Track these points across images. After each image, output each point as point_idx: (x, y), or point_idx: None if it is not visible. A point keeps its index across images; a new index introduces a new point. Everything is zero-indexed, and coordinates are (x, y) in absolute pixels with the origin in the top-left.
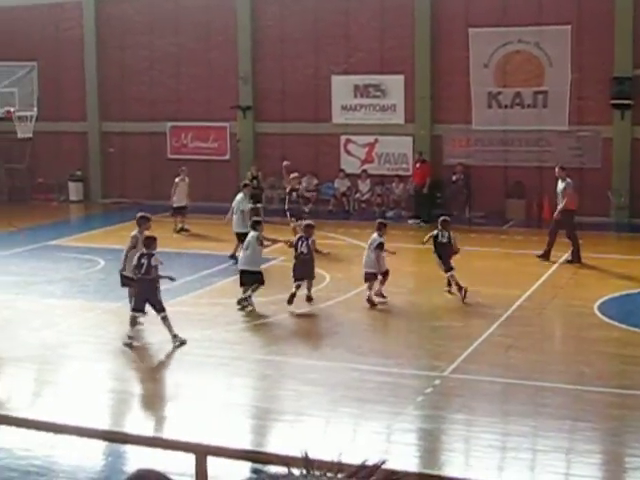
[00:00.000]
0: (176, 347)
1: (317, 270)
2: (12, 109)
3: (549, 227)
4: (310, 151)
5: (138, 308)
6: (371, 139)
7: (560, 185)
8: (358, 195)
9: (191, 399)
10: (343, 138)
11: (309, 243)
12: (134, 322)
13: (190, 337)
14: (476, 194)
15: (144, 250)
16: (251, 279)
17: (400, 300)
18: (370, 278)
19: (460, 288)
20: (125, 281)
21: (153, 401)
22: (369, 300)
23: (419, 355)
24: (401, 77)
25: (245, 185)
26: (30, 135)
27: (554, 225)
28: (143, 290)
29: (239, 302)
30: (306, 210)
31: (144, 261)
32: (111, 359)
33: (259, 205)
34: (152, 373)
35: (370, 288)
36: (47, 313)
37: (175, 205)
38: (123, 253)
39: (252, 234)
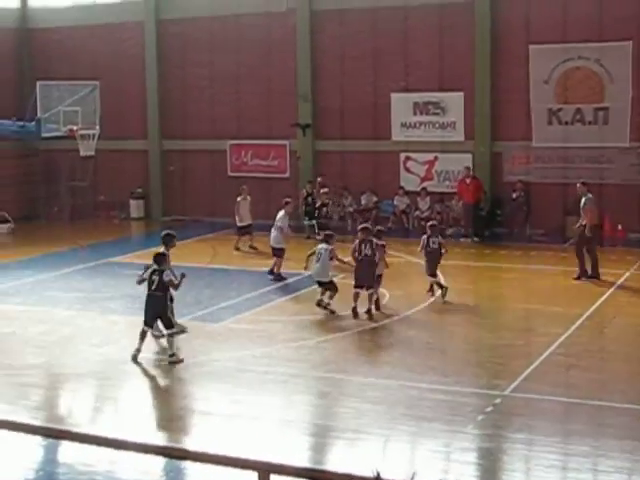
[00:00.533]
0: (171, 364)
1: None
2: (75, 127)
3: (574, 246)
4: (369, 168)
5: (149, 323)
6: (431, 156)
7: (582, 200)
8: (417, 213)
9: (251, 416)
10: (402, 156)
11: (373, 246)
12: (143, 336)
13: (250, 354)
14: (536, 211)
15: (155, 266)
16: (325, 288)
17: (459, 318)
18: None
19: (441, 287)
20: None
21: (213, 418)
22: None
23: (479, 373)
24: (461, 94)
25: (286, 203)
26: (92, 153)
27: (580, 242)
28: (154, 306)
29: (318, 304)
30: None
31: (155, 277)
32: (171, 376)
33: (313, 222)
34: (211, 390)
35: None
36: (108, 329)
37: (239, 224)
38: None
39: (324, 247)
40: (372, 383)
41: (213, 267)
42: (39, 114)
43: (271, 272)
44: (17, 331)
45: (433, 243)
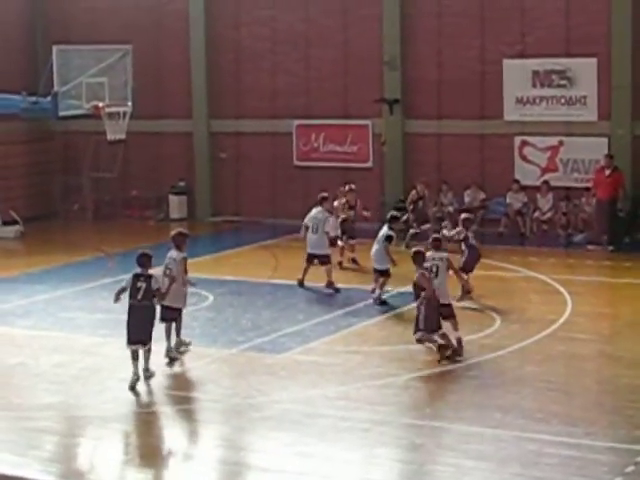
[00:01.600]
0: (146, 379)
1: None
2: (101, 104)
3: None
4: (475, 157)
5: (140, 340)
6: (554, 141)
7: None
8: (537, 214)
9: (322, 474)
10: (518, 140)
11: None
12: (136, 357)
13: (321, 394)
14: None
15: (139, 270)
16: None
17: (591, 350)
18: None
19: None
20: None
21: (274, 476)
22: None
23: (616, 423)
24: (593, 61)
25: (323, 198)
26: (123, 136)
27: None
28: (142, 318)
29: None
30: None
31: (141, 284)
32: (223, 421)
33: (427, 225)
34: (272, 440)
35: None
36: (142, 362)
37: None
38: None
39: (438, 255)
40: (478, 433)
41: (275, 282)
42: (56, 87)
43: (301, 284)
44: (27, 362)
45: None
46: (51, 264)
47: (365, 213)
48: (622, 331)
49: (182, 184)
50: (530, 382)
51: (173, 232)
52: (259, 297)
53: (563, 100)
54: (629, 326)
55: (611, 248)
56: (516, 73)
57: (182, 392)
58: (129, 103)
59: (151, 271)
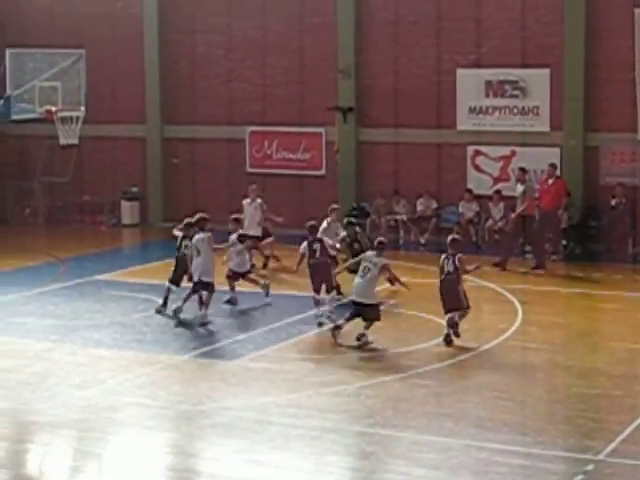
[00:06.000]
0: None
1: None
2: (54, 108)
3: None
4: (428, 166)
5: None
6: (507, 151)
7: (519, 188)
8: (490, 223)
9: None
10: (471, 149)
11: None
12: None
13: (272, 402)
14: None
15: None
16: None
17: (542, 359)
18: None
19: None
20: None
21: None
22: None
23: (567, 432)
24: (546, 72)
25: (333, 210)
26: (75, 141)
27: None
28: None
29: (358, 339)
30: (422, 241)
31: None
32: (173, 428)
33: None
34: (222, 447)
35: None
36: (92, 367)
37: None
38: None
39: (374, 258)
40: (428, 442)
41: (224, 289)
42: (8, 91)
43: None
44: None
45: (448, 265)
46: (2, 268)
47: (276, 218)
48: (573, 340)
49: (135, 189)
50: (481, 391)
51: (196, 217)
52: (211, 304)
53: (516, 110)
54: (580, 336)
55: (554, 257)
56: (470, 83)
57: (132, 398)
58: (82, 108)
59: None
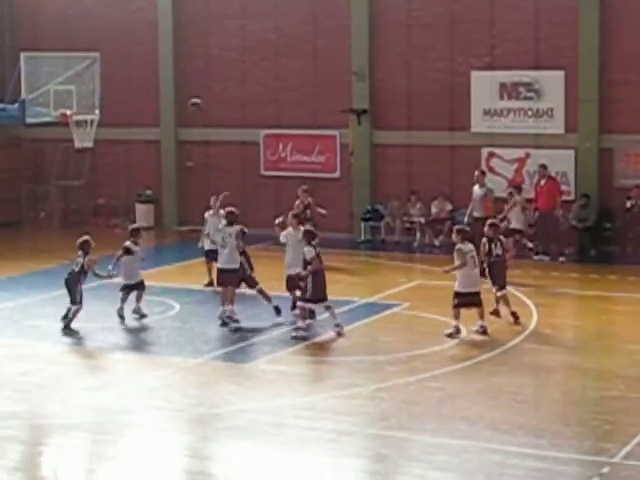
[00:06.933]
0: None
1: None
2: (69, 112)
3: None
4: (443, 168)
5: None
6: (521, 153)
7: (478, 190)
8: (504, 224)
9: None
10: (485, 151)
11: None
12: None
13: (287, 404)
14: None
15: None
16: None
17: (557, 362)
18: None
19: (513, 313)
20: None
21: None
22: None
23: (582, 434)
24: (561, 73)
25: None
26: (90, 145)
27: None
28: None
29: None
30: (436, 244)
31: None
32: (187, 430)
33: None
34: (237, 450)
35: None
36: (107, 370)
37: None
38: None
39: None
40: (443, 444)
41: (240, 291)
42: (23, 94)
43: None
44: None
45: (497, 249)
46: (17, 272)
47: (321, 211)
48: (588, 343)
49: (149, 192)
50: (496, 393)
51: (226, 210)
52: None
53: (530, 112)
54: (595, 338)
55: (562, 259)
56: (484, 85)
57: (147, 401)
58: (97, 111)
59: None
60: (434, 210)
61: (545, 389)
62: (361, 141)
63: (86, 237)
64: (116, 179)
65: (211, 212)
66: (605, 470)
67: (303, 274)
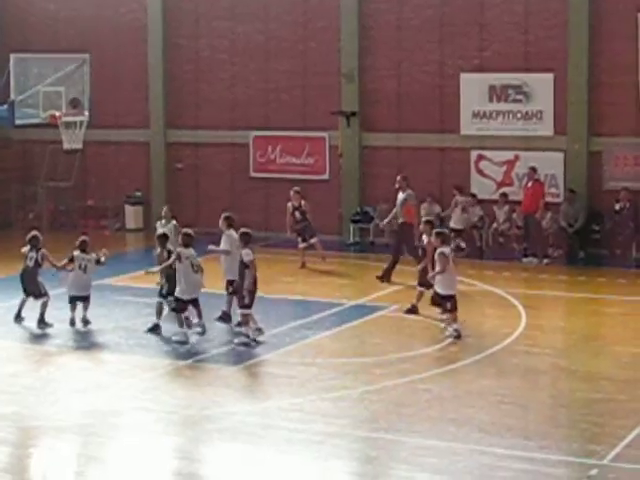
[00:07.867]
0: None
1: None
2: (58, 113)
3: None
4: (432, 170)
5: None
6: (510, 155)
7: (400, 196)
8: (494, 225)
9: None
10: (474, 154)
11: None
12: None
13: (275, 406)
14: None
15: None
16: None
17: (546, 364)
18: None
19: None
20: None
21: None
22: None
23: (570, 436)
24: (550, 76)
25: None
26: (79, 146)
27: (396, 242)
28: None
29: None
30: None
31: None
32: (177, 432)
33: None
34: (226, 451)
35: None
36: (96, 371)
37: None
38: None
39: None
40: (432, 446)
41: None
42: (12, 95)
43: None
44: None
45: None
46: (5, 273)
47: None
48: (577, 345)
49: (138, 194)
50: (484, 396)
51: (226, 214)
52: (215, 309)
53: (519, 115)
54: (584, 340)
55: (546, 261)
56: (473, 87)
57: (137, 403)
58: (86, 112)
59: None
60: (422, 212)
61: (533, 391)
62: (350, 143)
63: (34, 232)
64: (105, 181)
65: (163, 222)
66: (593, 472)
67: (246, 286)
